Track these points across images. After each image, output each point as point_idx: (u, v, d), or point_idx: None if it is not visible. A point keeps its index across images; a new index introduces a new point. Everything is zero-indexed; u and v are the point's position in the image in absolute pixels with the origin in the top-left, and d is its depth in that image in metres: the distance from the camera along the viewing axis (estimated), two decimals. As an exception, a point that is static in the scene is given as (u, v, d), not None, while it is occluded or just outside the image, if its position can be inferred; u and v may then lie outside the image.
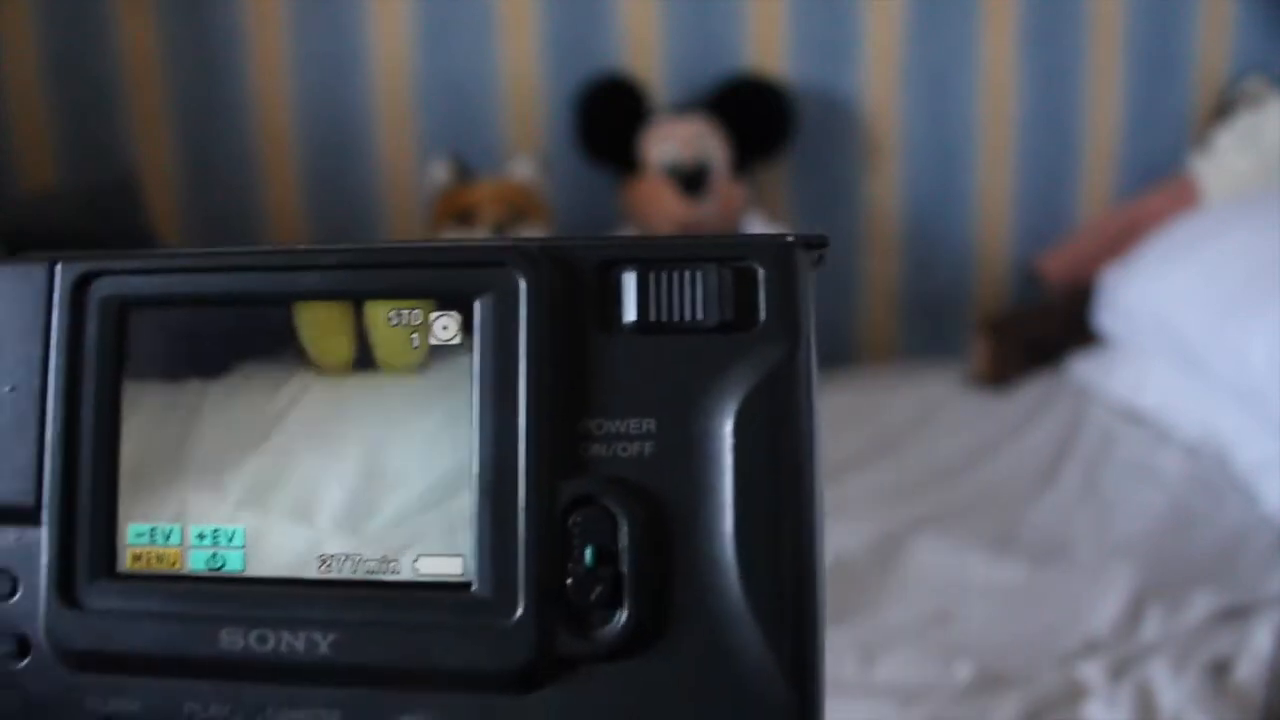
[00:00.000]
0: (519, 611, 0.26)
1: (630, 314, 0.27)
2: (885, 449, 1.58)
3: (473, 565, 0.27)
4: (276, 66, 1.85)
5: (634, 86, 1.83)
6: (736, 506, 0.25)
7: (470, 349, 0.27)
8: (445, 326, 0.27)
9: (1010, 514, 1.39)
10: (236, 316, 0.28)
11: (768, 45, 1.89)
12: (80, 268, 0.28)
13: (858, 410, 1.72)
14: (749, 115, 1.82)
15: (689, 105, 1.84)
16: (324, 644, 0.27)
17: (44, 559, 0.28)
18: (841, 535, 1.33)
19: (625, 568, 0.26)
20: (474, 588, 0.26)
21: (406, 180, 1.89)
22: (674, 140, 1.79)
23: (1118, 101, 1.94)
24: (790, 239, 0.27)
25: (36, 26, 1.82)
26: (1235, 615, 1.12)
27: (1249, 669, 1.03)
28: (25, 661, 0.28)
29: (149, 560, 0.28)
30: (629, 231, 1.84)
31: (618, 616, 0.26)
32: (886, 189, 1.96)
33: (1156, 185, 1.90)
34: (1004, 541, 1.31)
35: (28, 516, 0.28)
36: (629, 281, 0.27)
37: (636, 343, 0.26)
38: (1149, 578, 1.19)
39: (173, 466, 0.28)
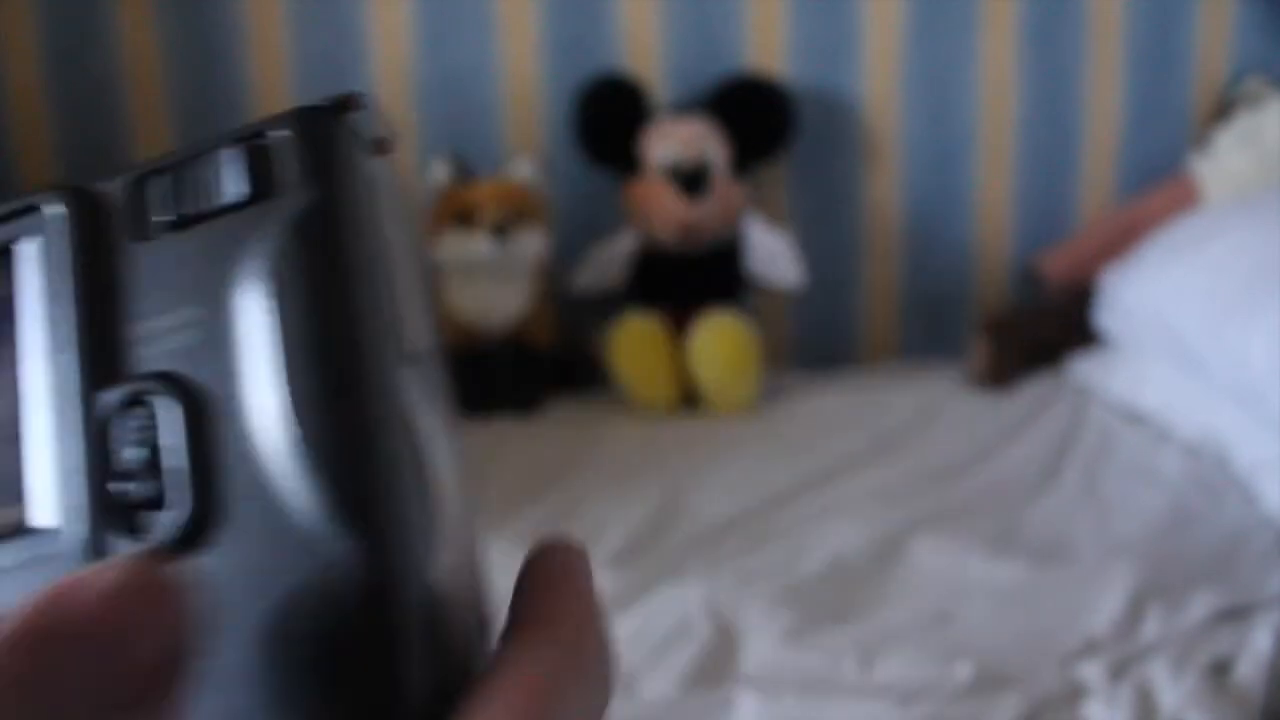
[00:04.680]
0: (68, 528, 0.25)
1: (161, 215, 0.26)
2: (885, 449, 1.58)
3: (29, 504, 0.26)
4: (276, 66, 1.85)
5: (634, 86, 1.83)
6: (280, 368, 0.25)
7: (12, 294, 0.27)
8: None
9: (1010, 514, 1.39)
10: None
11: (768, 45, 1.89)
12: None
13: (858, 410, 1.72)
14: (749, 115, 1.82)
15: (689, 105, 1.84)
16: None
17: None
18: (841, 535, 1.33)
19: (169, 459, 0.25)
20: (28, 523, 0.26)
21: (406, 180, 1.89)
22: (674, 140, 1.79)
23: (1118, 101, 1.94)
24: (314, 103, 0.27)
25: (36, 26, 1.82)
26: (1235, 615, 1.12)
27: (1249, 669, 1.03)
28: None
29: None
30: (632, 234, 1.85)
31: (168, 509, 0.25)
32: (886, 189, 1.96)
33: (1156, 185, 1.90)
34: (1004, 541, 1.31)
35: None
36: (156, 186, 0.27)
37: (173, 241, 0.26)
38: (1149, 578, 1.19)
39: None
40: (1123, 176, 1.97)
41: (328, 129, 0.26)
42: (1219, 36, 1.93)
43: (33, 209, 0.27)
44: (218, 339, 0.25)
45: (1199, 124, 1.94)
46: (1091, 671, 1.05)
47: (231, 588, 0.24)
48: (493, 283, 1.78)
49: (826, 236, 1.96)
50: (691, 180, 1.77)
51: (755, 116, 1.83)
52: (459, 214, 1.76)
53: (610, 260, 1.86)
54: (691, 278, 1.83)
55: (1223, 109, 1.91)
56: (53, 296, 0.27)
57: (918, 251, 1.99)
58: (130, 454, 0.25)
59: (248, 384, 0.25)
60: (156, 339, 0.26)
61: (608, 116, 1.83)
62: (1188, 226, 1.71)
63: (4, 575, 0.26)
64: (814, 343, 2.01)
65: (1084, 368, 1.76)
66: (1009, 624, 1.15)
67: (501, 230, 1.73)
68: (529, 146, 1.87)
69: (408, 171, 1.89)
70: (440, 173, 1.79)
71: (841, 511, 1.39)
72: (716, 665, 1.09)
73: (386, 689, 0.24)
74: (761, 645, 1.11)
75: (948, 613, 1.17)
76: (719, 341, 1.76)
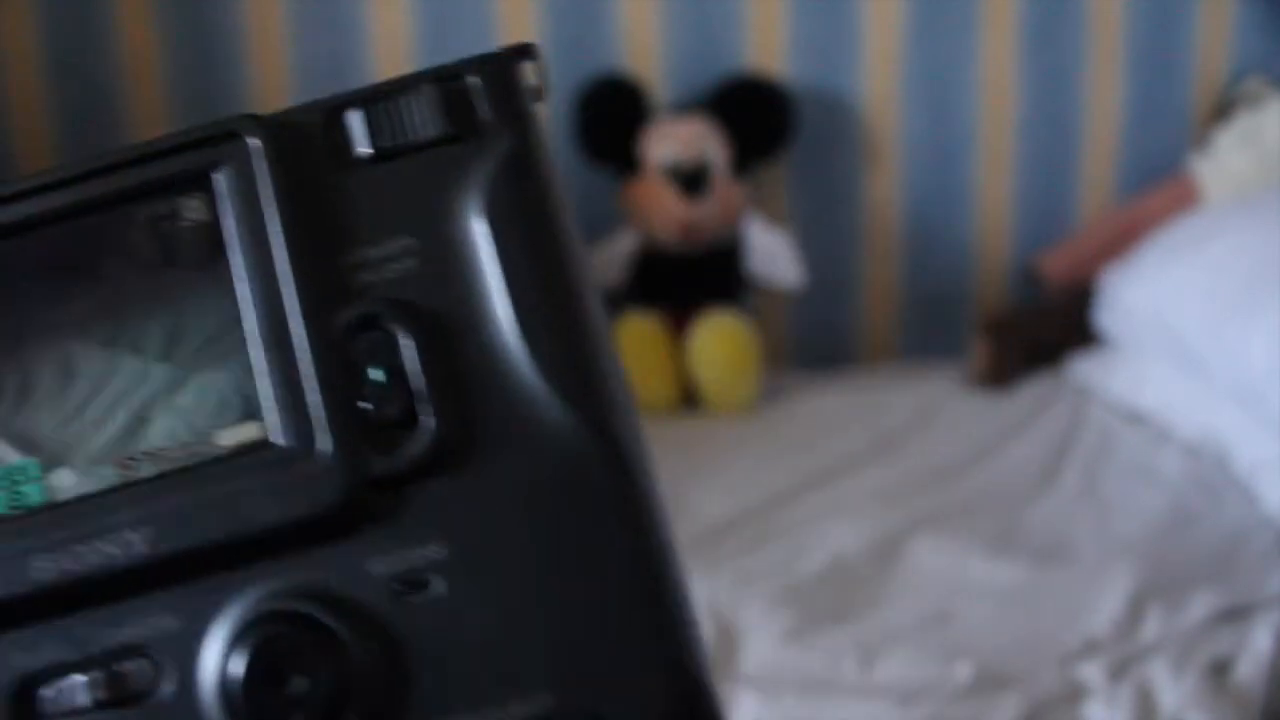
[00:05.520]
0: (319, 446, 0.26)
1: (363, 147, 0.28)
2: (885, 449, 1.58)
3: (268, 422, 0.26)
4: (276, 66, 1.85)
5: (634, 86, 1.83)
6: (509, 289, 0.27)
7: (219, 221, 0.27)
8: (193, 207, 0.28)
9: (1010, 514, 1.39)
10: None
11: (768, 45, 1.89)
12: None
13: (858, 410, 1.72)
14: (749, 115, 1.82)
15: (689, 105, 1.84)
16: (139, 542, 0.26)
17: None
18: (841, 535, 1.33)
19: (413, 379, 0.26)
20: (272, 440, 0.26)
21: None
22: (674, 140, 1.79)
23: (1118, 101, 1.94)
24: (498, 51, 0.29)
25: (36, 26, 1.82)
26: (1235, 615, 1.12)
27: (1249, 669, 1.03)
28: None
29: None
30: (630, 233, 1.85)
31: (421, 426, 0.26)
32: (886, 189, 1.96)
33: (1156, 185, 1.90)
34: (1004, 541, 1.31)
35: None
36: (355, 119, 0.28)
37: (377, 171, 0.28)
38: (1149, 578, 1.19)
39: None
40: (1123, 176, 1.97)
41: (513, 75, 0.29)
42: (1219, 36, 1.93)
43: (231, 136, 0.28)
44: (439, 267, 0.27)
45: (1199, 124, 1.94)
46: (1091, 671, 1.05)
47: (492, 495, 0.26)
48: (493, 283, 1.78)
49: (826, 236, 1.96)
50: (691, 180, 1.77)
51: (755, 116, 1.83)
52: (459, 214, 1.76)
53: (610, 260, 1.86)
54: (691, 278, 1.83)
55: (1223, 109, 1.91)
56: (260, 223, 0.27)
57: (918, 251, 1.98)
58: (373, 374, 0.26)
59: (479, 307, 0.27)
60: (375, 266, 0.27)
61: (607, 116, 1.83)
62: (1188, 226, 1.71)
63: (248, 495, 0.26)
64: (814, 343, 2.01)
65: (1084, 368, 1.75)
66: (1009, 624, 1.15)
67: (501, 230, 1.73)
68: (529, 146, 1.87)
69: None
70: (440, 173, 1.79)
71: (841, 511, 1.39)
72: (716, 665, 1.09)
73: (643, 549, 0.27)
74: (761, 645, 1.11)
75: (948, 613, 1.17)
76: (719, 341, 1.76)
